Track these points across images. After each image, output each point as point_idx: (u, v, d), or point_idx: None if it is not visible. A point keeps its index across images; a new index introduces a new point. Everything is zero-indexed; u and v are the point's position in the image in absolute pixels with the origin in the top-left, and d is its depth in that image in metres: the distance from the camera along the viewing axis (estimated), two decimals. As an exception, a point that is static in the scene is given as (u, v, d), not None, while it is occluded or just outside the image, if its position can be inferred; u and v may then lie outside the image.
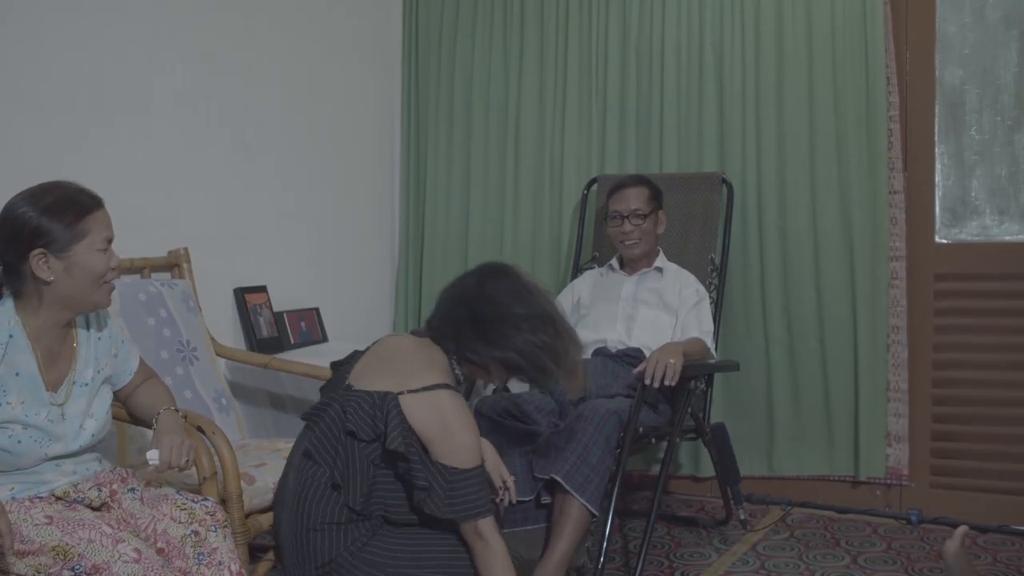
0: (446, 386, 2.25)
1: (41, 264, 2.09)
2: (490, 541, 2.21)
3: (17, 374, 2.11)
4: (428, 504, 2.19)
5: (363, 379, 2.32)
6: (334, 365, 2.51)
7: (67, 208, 2.11)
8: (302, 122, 4.17)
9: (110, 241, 2.17)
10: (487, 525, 2.21)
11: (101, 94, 3.29)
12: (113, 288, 2.23)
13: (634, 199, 3.61)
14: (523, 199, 4.44)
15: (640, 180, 3.69)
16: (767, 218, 3.95)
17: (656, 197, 3.67)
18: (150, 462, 2.17)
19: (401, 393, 2.22)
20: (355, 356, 2.46)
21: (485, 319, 2.32)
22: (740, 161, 4.00)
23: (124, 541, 2.00)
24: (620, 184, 3.69)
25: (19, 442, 2.10)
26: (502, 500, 2.60)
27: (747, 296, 4.00)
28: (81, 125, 3.22)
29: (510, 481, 2.63)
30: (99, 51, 3.27)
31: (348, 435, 2.23)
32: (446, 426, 2.21)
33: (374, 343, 2.46)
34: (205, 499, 2.24)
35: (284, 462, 2.76)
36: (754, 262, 3.99)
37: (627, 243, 3.62)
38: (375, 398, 2.23)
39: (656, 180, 3.75)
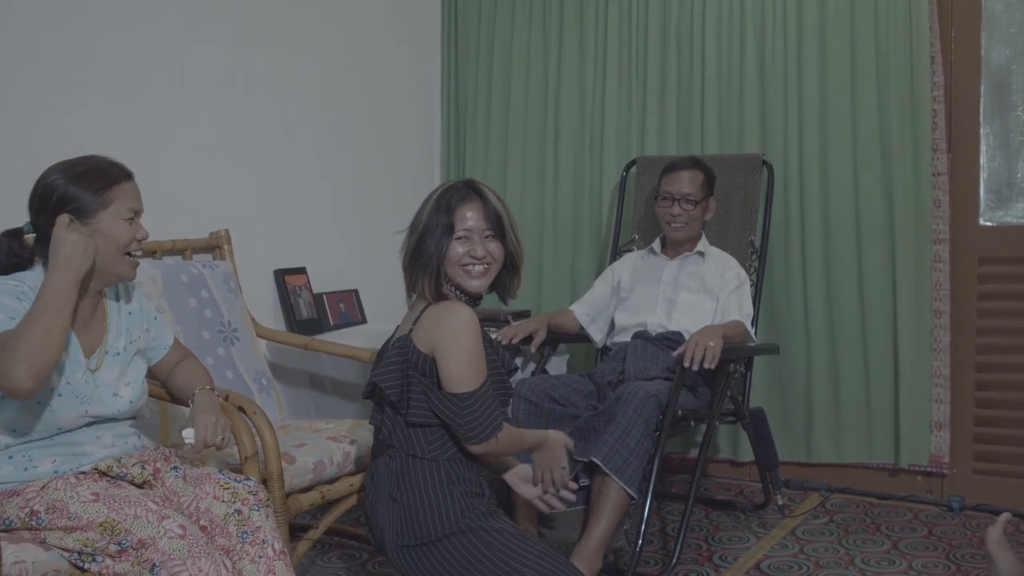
0: (431, 296, 2.39)
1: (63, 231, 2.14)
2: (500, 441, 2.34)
3: None
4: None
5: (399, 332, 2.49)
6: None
7: (95, 177, 2.17)
8: (341, 103, 4.19)
9: (137, 213, 2.22)
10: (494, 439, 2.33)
11: (142, 76, 3.33)
12: (137, 263, 2.27)
13: (687, 183, 3.59)
14: (563, 179, 4.45)
15: (696, 163, 3.66)
16: (808, 200, 3.93)
17: (709, 183, 3.65)
18: (186, 441, 2.21)
19: (410, 332, 2.38)
20: None
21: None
22: (782, 142, 3.98)
23: (169, 518, 2.03)
24: (675, 165, 3.66)
25: (60, 395, 2.14)
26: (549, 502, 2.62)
27: (788, 279, 3.99)
28: (123, 107, 3.26)
29: (562, 487, 2.61)
30: (140, 33, 3.31)
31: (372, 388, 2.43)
32: (442, 336, 2.31)
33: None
34: (248, 479, 2.27)
35: (325, 442, 2.81)
36: (795, 245, 3.97)
37: (673, 225, 3.61)
38: (395, 344, 2.40)
39: (696, 162, 3.75)
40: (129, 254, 2.22)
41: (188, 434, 2.22)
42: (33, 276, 2.18)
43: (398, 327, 2.49)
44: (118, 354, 2.29)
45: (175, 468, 2.29)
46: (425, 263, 2.37)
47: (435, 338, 2.31)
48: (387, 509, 2.36)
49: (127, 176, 2.22)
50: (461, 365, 2.28)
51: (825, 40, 3.90)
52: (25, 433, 2.14)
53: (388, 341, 2.48)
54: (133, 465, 2.23)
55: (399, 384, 2.36)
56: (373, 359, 3.20)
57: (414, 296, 2.46)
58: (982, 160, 3.76)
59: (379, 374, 2.39)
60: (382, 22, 4.43)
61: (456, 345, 2.29)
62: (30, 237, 2.21)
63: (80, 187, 2.14)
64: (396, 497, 2.34)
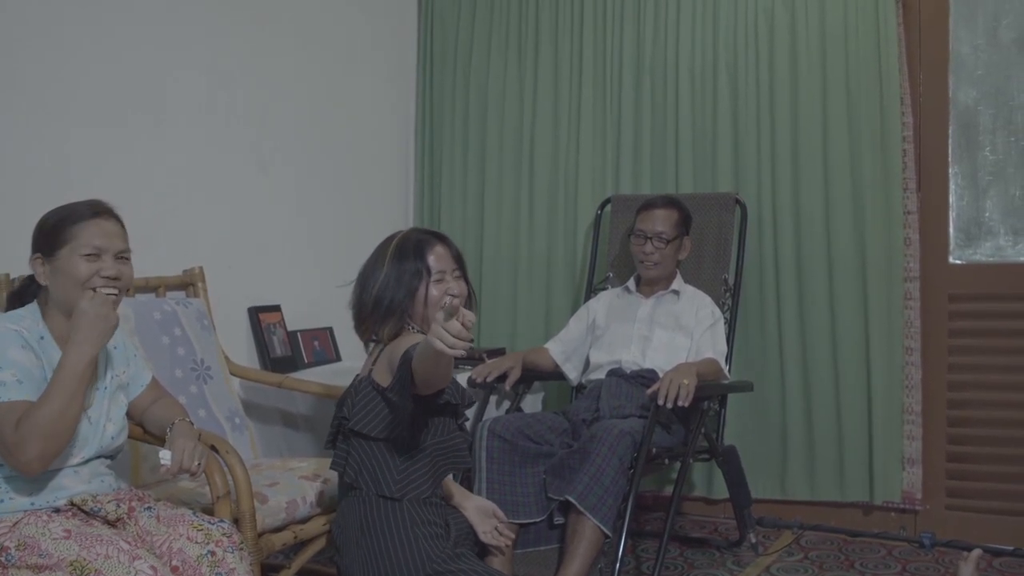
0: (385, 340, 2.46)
1: (38, 268, 2.22)
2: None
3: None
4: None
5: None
6: None
7: (63, 215, 2.22)
8: (318, 140, 4.20)
9: (101, 250, 2.22)
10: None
11: (121, 110, 3.33)
12: (106, 299, 2.23)
13: (661, 221, 3.61)
14: (538, 217, 4.45)
15: (672, 202, 3.68)
16: (781, 239, 3.96)
17: (685, 222, 3.67)
18: (162, 461, 2.21)
19: (368, 372, 2.46)
20: None
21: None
22: (754, 181, 4.02)
23: (141, 558, 2.02)
24: (650, 203, 3.68)
25: None
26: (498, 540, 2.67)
27: (761, 317, 4.01)
28: (101, 141, 3.26)
29: (502, 527, 2.70)
30: (118, 68, 3.31)
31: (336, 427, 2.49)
32: (396, 346, 2.37)
33: None
34: (221, 521, 2.26)
35: (298, 481, 2.80)
36: (768, 283, 4.00)
37: (646, 264, 3.63)
38: (350, 390, 2.47)
39: (669, 201, 3.77)
40: (95, 290, 2.22)
41: (165, 455, 2.22)
42: (30, 319, 2.23)
43: (356, 377, 2.55)
44: (105, 388, 2.32)
45: (149, 508, 2.28)
46: (390, 311, 2.44)
47: (392, 359, 2.35)
48: (353, 553, 2.38)
49: (94, 214, 2.24)
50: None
51: (797, 81, 3.95)
52: (4, 466, 2.15)
53: (344, 394, 2.51)
54: (108, 502, 2.22)
55: (367, 413, 2.39)
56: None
57: (371, 345, 2.53)
58: (951, 199, 3.82)
59: (351, 416, 2.40)
60: (359, 61, 4.45)
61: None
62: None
63: (46, 227, 2.21)
64: (360, 544, 2.36)
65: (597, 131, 4.35)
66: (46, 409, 2.03)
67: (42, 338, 2.22)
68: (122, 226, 2.31)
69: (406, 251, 2.46)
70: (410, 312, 2.45)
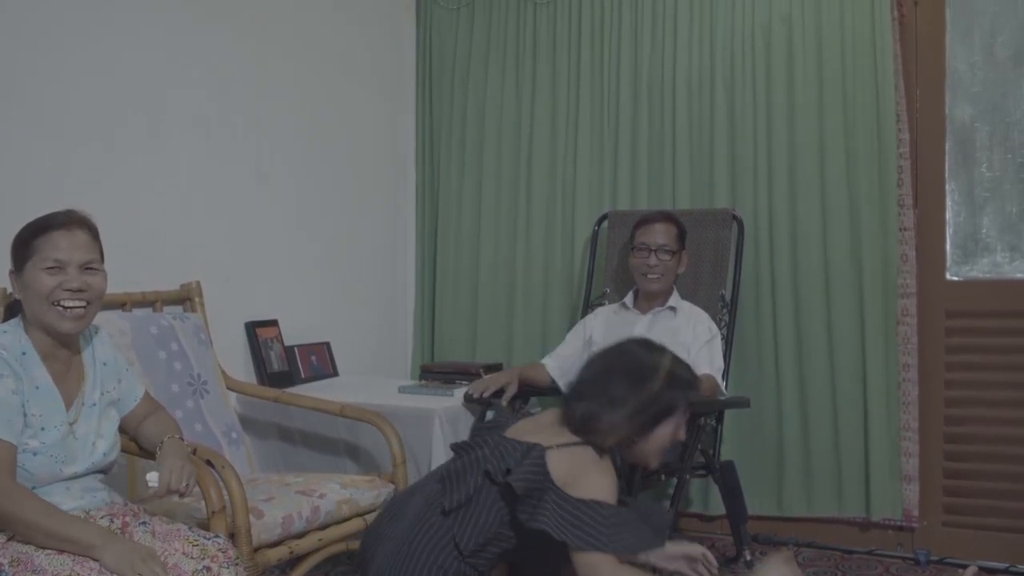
0: (593, 444, 2.35)
1: (12, 282, 2.22)
2: None
3: (37, 387, 2.19)
4: (546, 521, 2.22)
5: (518, 433, 2.45)
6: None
7: (30, 229, 2.21)
8: (316, 155, 4.21)
9: (60, 263, 2.19)
10: (607, 566, 2.22)
11: (117, 122, 3.33)
12: (66, 312, 2.20)
13: (662, 234, 3.63)
14: (535, 233, 4.46)
15: (669, 217, 3.71)
16: (778, 255, 3.97)
17: (682, 237, 3.69)
18: (149, 484, 2.21)
19: (550, 447, 2.31)
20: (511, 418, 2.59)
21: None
22: (751, 197, 4.03)
23: (134, 574, 2.02)
24: (649, 218, 3.71)
25: (35, 454, 2.15)
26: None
27: (758, 333, 4.01)
28: (97, 153, 3.26)
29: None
30: (114, 80, 3.31)
31: (484, 475, 2.33)
32: (585, 470, 2.30)
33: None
34: (217, 536, 2.25)
35: (294, 496, 2.80)
36: (765, 299, 4.00)
37: (649, 276, 3.64)
38: (523, 447, 2.33)
39: (667, 216, 3.78)
40: (58, 303, 2.19)
41: (152, 478, 2.22)
42: (12, 334, 2.21)
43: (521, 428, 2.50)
44: (94, 405, 2.31)
45: (143, 523, 2.27)
46: (628, 431, 2.39)
47: (575, 476, 2.31)
48: (387, 548, 2.36)
49: (60, 225, 2.20)
50: (602, 479, 2.32)
51: (794, 97, 3.96)
52: None
53: (502, 449, 2.38)
54: (102, 518, 2.22)
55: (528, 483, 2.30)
56: (344, 412, 3.23)
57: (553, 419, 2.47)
58: (948, 215, 3.83)
59: (493, 464, 2.33)
60: (357, 75, 4.46)
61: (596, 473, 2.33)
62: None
63: (17, 241, 2.21)
64: (398, 550, 2.34)
65: (594, 147, 4.36)
66: (38, 527, 2.05)
67: (24, 353, 2.20)
68: (92, 236, 2.26)
69: (679, 381, 2.43)
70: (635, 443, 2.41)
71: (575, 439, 2.36)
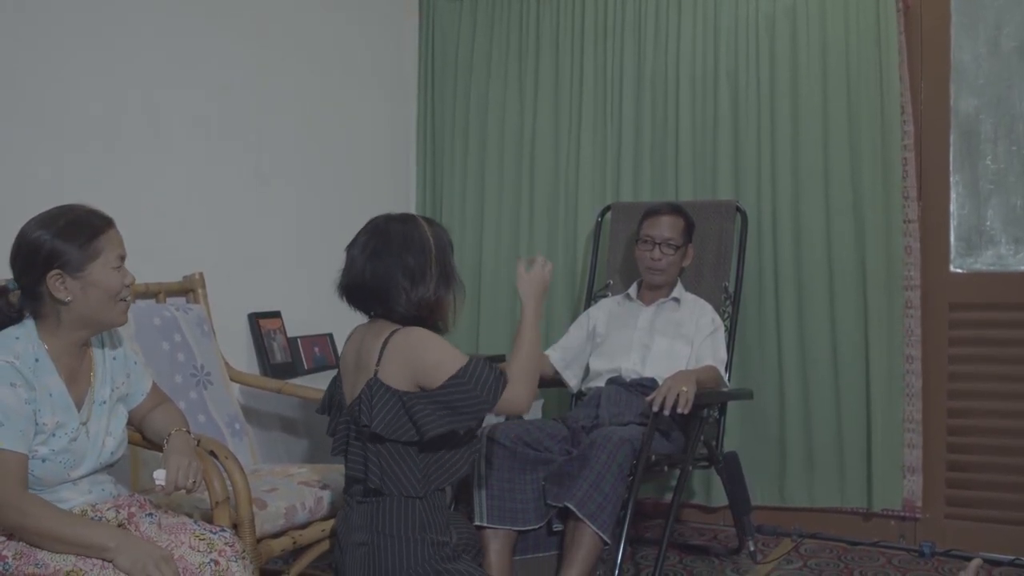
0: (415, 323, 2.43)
1: (58, 285, 2.13)
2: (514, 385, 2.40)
3: (50, 395, 2.16)
4: (436, 423, 2.34)
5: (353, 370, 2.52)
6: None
7: (80, 229, 2.16)
8: (317, 150, 4.20)
9: (123, 259, 2.22)
10: (507, 393, 2.39)
11: (118, 121, 3.33)
12: (128, 306, 2.27)
13: (668, 228, 3.63)
14: (538, 226, 4.47)
15: (677, 210, 3.70)
16: (781, 247, 3.97)
17: (689, 231, 3.68)
18: (156, 482, 2.19)
19: (378, 369, 2.38)
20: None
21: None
22: (755, 189, 4.03)
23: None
24: (656, 210, 3.69)
25: (44, 461, 2.13)
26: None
27: (761, 325, 4.01)
28: (98, 151, 3.26)
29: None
30: (117, 78, 3.31)
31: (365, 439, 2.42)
32: (418, 353, 2.36)
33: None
34: (223, 530, 2.24)
35: (297, 487, 2.80)
36: (768, 291, 4.00)
37: (653, 270, 3.64)
38: (363, 396, 2.39)
39: (671, 208, 3.77)
40: (124, 299, 2.23)
41: (159, 475, 2.20)
42: (25, 340, 2.17)
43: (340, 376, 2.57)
44: (104, 402, 2.29)
45: (150, 515, 2.26)
46: (439, 307, 2.49)
47: (414, 364, 2.36)
48: (355, 555, 2.39)
49: (109, 223, 2.21)
50: (443, 352, 2.36)
51: (797, 89, 3.95)
52: None
53: (355, 400, 2.45)
54: (108, 509, 2.22)
55: (393, 419, 2.37)
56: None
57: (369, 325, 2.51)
58: (952, 208, 3.82)
59: (376, 422, 2.37)
60: (359, 73, 4.45)
61: (432, 347, 2.38)
62: (16, 294, 2.21)
63: (66, 241, 2.14)
64: (365, 541, 2.37)
65: (597, 138, 4.35)
66: (44, 525, 2.05)
67: (37, 360, 2.16)
68: None
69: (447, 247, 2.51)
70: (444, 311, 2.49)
71: (392, 329, 2.40)
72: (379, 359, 2.38)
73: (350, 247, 2.48)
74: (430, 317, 2.45)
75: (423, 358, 2.34)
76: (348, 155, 4.39)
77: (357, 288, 2.45)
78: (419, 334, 2.38)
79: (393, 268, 2.40)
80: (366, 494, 2.42)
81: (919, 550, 3.74)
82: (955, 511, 3.80)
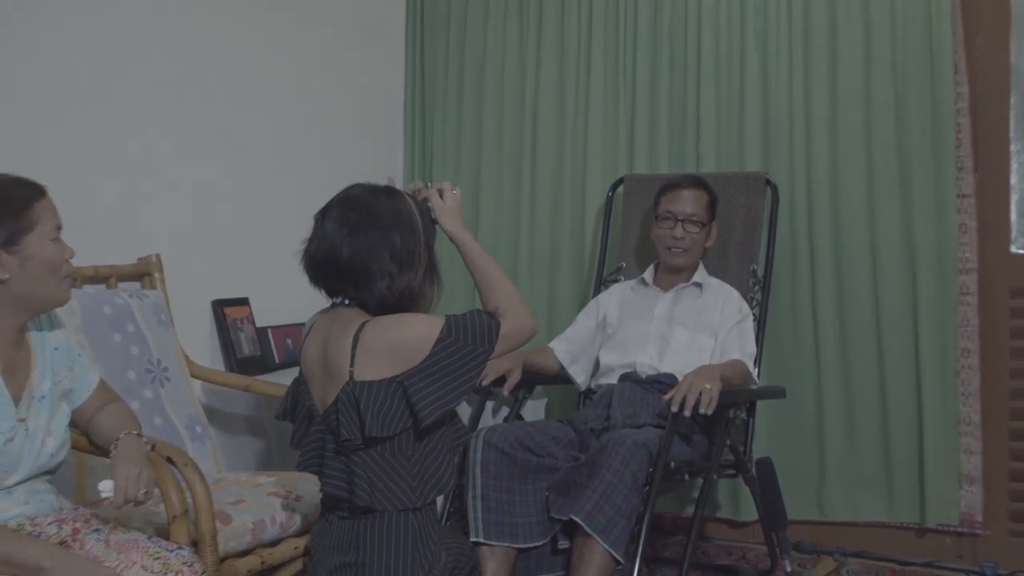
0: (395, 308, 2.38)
1: None
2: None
3: None
4: (434, 404, 2.30)
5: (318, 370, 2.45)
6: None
7: (10, 199, 2.15)
8: (292, 117, 4.19)
9: (59, 229, 2.22)
10: (505, 326, 2.39)
11: (64, 77, 3.29)
12: (72, 282, 2.27)
13: (692, 203, 3.63)
14: (540, 200, 4.47)
15: (700, 183, 3.70)
16: (818, 225, 3.95)
17: (713, 206, 3.69)
18: (102, 494, 2.14)
19: (353, 370, 2.31)
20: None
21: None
22: (787, 160, 4.01)
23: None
24: (677, 183, 3.70)
25: None
26: None
27: (795, 313, 3.99)
28: (40, 112, 3.22)
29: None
30: (64, 28, 3.27)
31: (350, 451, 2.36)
32: (400, 335, 2.31)
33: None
34: (180, 547, 2.22)
35: (266, 499, 2.79)
36: (803, 275, 3.98)
37: (674, 250, 3.63)
38: (341, 404, 2.32)
39: (692, 181, 3.76)
40: (67, 274, 2.23)
41: (105, 487, 2.15)
42: None
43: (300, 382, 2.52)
44: (43, 398, 2.27)
45: (97, 531, 2.24)
46: (421, 296, 2.45)
47: (394, 348, 2.32)
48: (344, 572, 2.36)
49: (41, 192, 2.20)
50: (420, 322, 2.33)
51: (835, 46, 3.94)
52: None
53: (328, 410, 2.39)
54: (49, 524, 2.20)
55: (388, 408, 2.32)
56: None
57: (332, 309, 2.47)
58: (1013, 180, 3.79)
59: (372, 424, 2.31)
60: (341, 32, 4.44)
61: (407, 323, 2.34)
62: None
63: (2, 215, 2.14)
64: (351, 562, 2.34)
65: (608, 102, 4.34)
66: None
67: None
68: None
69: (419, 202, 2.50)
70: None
71: (361, 321, 2.35)
72: (352, 358, 2.33)
73: (322, 216, 2.43)
74: (408, 309, 2.40)
75: (405, 338, 2.30)
76: (328, 117, 4.38)
77: (331, 264, 2.37)
78: (392, 318, 2.34)
79: (379, 247, 2.34)
80: (352, 512, 2.39)
81: (980, 572, 3.73)
82: (1020, 527, 3.78)
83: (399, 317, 2.33)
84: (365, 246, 2.33)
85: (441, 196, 2.54)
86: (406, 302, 2.38)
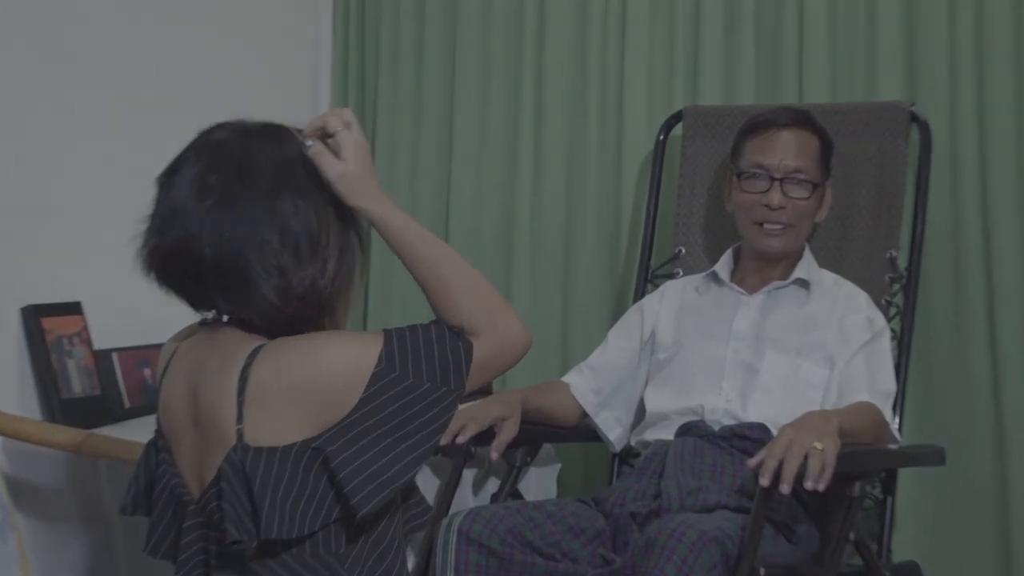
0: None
1: None
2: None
3: None
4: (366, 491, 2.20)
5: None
6: None
7: None
8: (153, 36, 4.23)
9: None
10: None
11: None
12: None
13: (796, 151, 3.59)
14: (548, 155, 4.51)
15: (806, 120, 3.66)
16: (994, 188, 3.92)
17: (828, 157, 3.67)
18: None
19: (241, 429, 2.21)
20: None
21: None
22: (945, 86, 3.98)
23: None
24: (769, 120, 3.66)
25: None
26: None
27: (960, 326, 3.96)
28: None
29: None
30: None
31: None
32: (306, 366, 2.20)
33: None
34: None
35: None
36: (973, 265, 3.94)
37: (768, 226, 3.59)
38: (225, 485, 2.22)
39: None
40: None
41: None
42: None
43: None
44: None
45: None
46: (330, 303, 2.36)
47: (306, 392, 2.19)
48: None
49: None
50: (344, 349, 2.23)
51: None
52: None
53: (206, 494, 2.29)
54: None
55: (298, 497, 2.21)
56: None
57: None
58: None
59: (266, 522, 2.21)
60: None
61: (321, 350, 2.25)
62: None
63: None
64: None
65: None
66: None
67: None
68: None
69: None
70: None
71: (252, 348, 2.25)
72: (239, 409, 2.21)
73: (168, 179, 2.31)
74: (315, 324, 2.30)
75: (319, 376, 2.17)
76: (212, 45, 4.50)
77: (187, 260, 2.25)
78: (296, 344, 2.23)
79: (260, 226, 2.22)
80: None
81: None
82: None
83: (308, 341, 2.23)
84: (238, 227, 2.20)
85: (327, 143, 2.32)
86: (311, 312, 2.27)
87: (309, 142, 2.30)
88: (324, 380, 2.16)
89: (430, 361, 2.19)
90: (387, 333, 2.21)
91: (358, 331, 2.27)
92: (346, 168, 2.28)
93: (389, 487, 2.17)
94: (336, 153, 2.28)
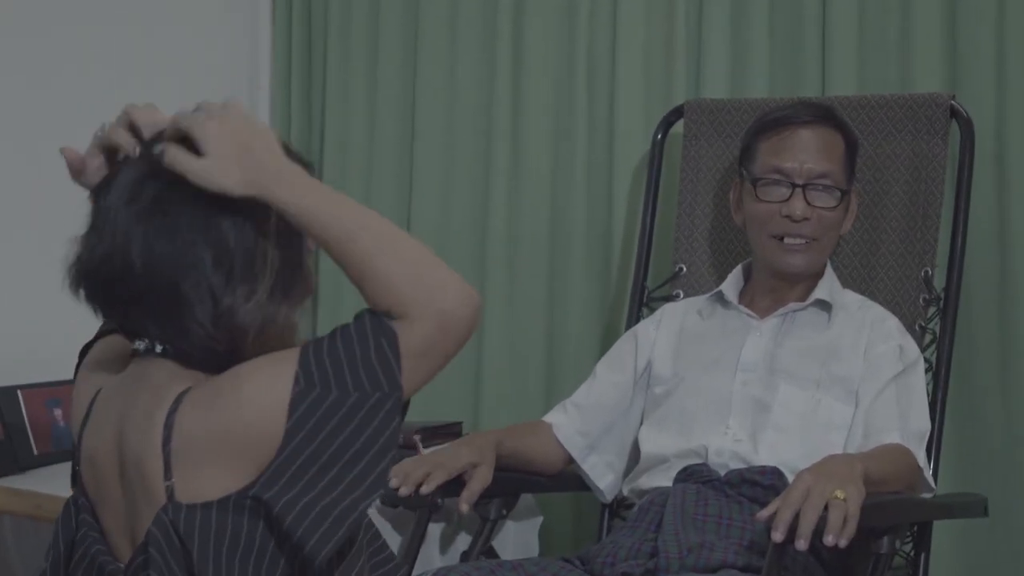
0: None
1: None
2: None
3: None
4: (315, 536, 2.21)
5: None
6: None
7: None
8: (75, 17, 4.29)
9: None
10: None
11: None
12: None
13: (819, 152, 3.62)
14: (528, 156, 4.60)
15: (831, 116, 3.70)
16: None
17: (853, 158, 3.70)
18: None
19: (171, 484, 2.22)
20: None
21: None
22: (991, 77, 4.02)
23: None
24: (788, 117, 3.69)
25: None
26: None
27: (1005, 356, 3.98)
28: None
29: None
30: None
31: None
32: (231, 408, 2.22)
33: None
34: None
35: None
36: (1022, 286, 3.96)
37: (789, 241, 3.62)
38: (154, 549, 2.23)
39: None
40: None
41: None
42: None
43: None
44: None
45: None
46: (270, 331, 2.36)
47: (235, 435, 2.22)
48: None
49: None
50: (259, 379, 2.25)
51: None
52: None
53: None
54: None
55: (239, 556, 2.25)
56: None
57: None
58: None
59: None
60: None
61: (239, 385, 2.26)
62: None
63: None
64: None
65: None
66: None
67: None
68: None
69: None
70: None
71: (181, 389, 2.27)
72: (166, 459, 2.25)
73: (103, 185, 2.35)
74: (253, 354, 2.31)
75: (240, 416, 2.21)
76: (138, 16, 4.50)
77: (117, 281, 2.27)
78: (216, 383, 2.25)
79: (193, 244, 2.25)
80: None
81: None
82: None
83: (230, 377, 2.24)
84: (169, 244, 2.24)
85: (198, 131, 2.27)
86: (246, 344, 2.31)
87: (158, 147, 2.27)
88: (243, 419, 2.17)
89: (353, 367, 2.16)
90: (303, 347, 2.20)
91: (274, 353, 2.23)
92: (207, 162, 2.22)
93: (343, 523, 2.16)
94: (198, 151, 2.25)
